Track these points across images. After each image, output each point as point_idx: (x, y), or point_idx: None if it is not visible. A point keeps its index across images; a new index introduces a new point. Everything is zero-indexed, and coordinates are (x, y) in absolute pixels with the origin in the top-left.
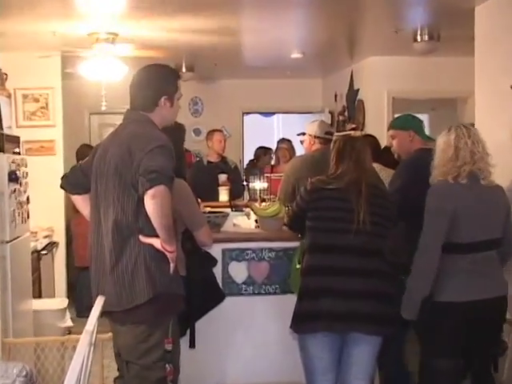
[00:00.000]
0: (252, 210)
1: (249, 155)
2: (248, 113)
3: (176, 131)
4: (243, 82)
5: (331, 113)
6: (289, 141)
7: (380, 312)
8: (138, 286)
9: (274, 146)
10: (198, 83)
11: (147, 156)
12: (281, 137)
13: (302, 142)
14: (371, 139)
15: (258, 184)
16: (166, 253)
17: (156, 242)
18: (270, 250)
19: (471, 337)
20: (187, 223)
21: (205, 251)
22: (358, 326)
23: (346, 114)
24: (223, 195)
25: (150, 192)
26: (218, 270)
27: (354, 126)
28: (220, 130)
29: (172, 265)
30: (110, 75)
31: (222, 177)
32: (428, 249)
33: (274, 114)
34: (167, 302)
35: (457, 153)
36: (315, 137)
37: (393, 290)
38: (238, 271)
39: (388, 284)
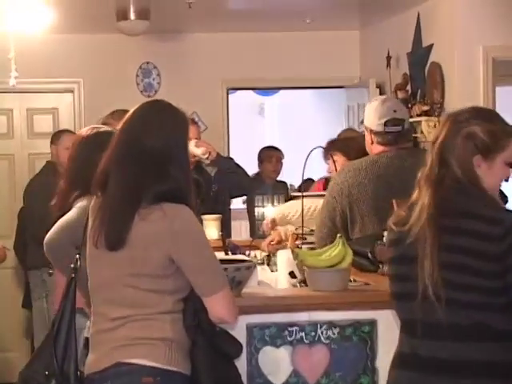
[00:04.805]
0: (296, 256)
1: (240, 159)
2: (235, 88)
3: (177, 123)
4: (229, 36)
5: (379, 86)
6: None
7: None
8: None
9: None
10: (155, 40)
11: None
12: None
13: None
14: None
15: (270, 210)
16: None
17: None
18: (331, 324)
19: None
20: (194, 283)
21: (220, 330)
22: None
23: (409, 88)
24: (210, 229)
25: None
26: (240, 362)
27: (425, 108)
28: (190, 120)
29: None
30: (22, 23)
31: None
32: None
33: (277, 90)
34: None
35: None
36: (372, 132)
37: None
38: (276, 363)
39: None
